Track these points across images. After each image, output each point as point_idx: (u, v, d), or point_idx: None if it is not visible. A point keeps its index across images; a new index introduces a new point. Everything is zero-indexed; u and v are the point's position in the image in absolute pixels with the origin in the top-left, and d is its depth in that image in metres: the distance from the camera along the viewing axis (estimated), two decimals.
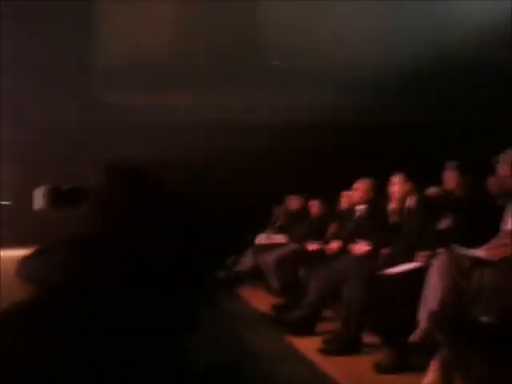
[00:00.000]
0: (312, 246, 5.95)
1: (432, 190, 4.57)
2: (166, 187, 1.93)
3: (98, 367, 1.52)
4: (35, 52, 8.64)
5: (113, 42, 9.10)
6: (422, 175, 4.57)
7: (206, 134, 8.71)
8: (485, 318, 3.13)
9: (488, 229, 3.59)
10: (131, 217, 1.80)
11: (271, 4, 9.25)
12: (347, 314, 4.26)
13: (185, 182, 7.53)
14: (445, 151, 7.55)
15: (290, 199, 7.81)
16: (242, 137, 8.69)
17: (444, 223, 4.06)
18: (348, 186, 5.62)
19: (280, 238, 7.12)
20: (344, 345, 4.19)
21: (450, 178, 4.15)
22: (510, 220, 3.55)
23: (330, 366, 3.93)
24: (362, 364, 3.90)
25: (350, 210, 5.75)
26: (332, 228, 6.14)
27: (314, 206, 6.95)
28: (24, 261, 1.75)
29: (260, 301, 6.28)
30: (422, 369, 3.44)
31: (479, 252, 3.41)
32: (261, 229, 7.85)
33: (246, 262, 7.30)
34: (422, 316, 3.48)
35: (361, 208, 5.42)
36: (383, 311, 3.89)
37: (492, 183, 4.28)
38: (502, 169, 3.58)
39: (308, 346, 4.37)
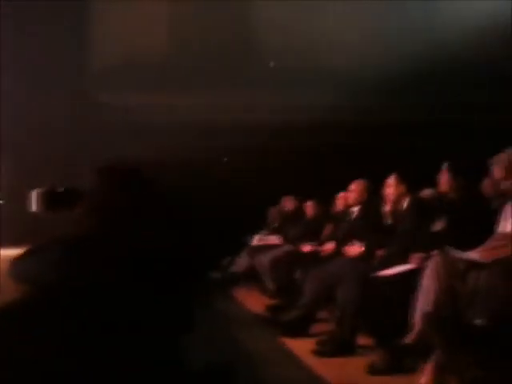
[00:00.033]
0: (307, 248, 5.95)
1: (426, 192, 4.57)
2: (161, 187, 1.93)
3: (91, 367, 1.52)
4: (32, 52, 8.65)
5: (109, 42, 9.11)
6: (421, 175, 4.55)
7: (202, 134, 8.71)
8: (478, 320, 3.13)
9: (482, 231, 3.58)
10: (125, 217, 1.79)
11: (267, 4, 9.24)
12: (341, 315, 4.25)
13: (181, 183, 7.57)
14: (445, 151, 7.58)
15: (285, 200, 7.81)
16: (238, 137, 8.69)
17: (438, 225, 4.06)
18: (347, 186, 5.61)
19: (275, 239, 7.13)
20: (338, 346, 4.18)
21: (444, 179, 4.14)
22: (503, 222, 3.54)
23: (324, 367, 3.92)
24: (355, 366, 3.88)
25: (345, 212, 5.75)
26: (327, 229, 6.14)
27: (309, 208, 6.96)
28: (16, 261, 1.75)
29: (254, 302, 6.27)
30: (415, 371, 3.45)
31: (473, 254, 3.41)
32: (256, 230, 7.85)
33: (241, 262, 7.31)
34: (416, 318, 3.48)
35: (355, 209, 5.43)
36: (377, 313, 3.89)
37: (486, 185, 4.28)
38: (497, 171, 3.57)
39: (302, 347, 4.36)
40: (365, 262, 4.53)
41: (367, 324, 4.09)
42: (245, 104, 8.97)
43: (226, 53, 9.25)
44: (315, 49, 9.30)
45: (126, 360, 1.57)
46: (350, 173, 5.56)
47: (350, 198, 5.56)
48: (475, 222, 3.76)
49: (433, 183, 4.43)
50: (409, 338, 3.50)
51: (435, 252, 3.55)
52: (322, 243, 5.73)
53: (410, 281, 3.62)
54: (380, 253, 4.50)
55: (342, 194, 6.09)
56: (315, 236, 6.13)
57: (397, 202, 4.56)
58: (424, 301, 3.43)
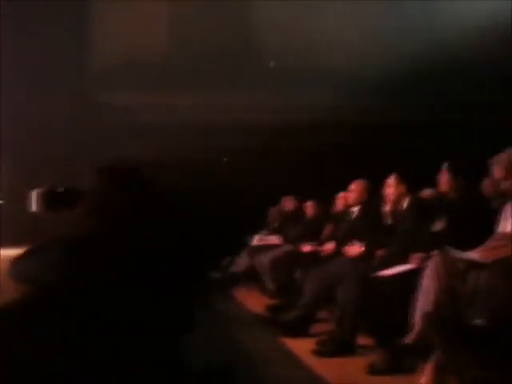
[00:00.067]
0: (307, 248, 5.95)
1: (426, 192, 4.57)
2: (161, 187, 1.92)
3: (90, 368, 1.52)
4: (32, 52, 8.65)
5: (109, 42, 9.10)
6: (421, 175, 4.55)
7: (202, 134, 8.71)
8: (478, 320, 3.13)
9: (482, 231, 3.58)
10: (125, 217, 1.79)
11: (267, 4, 9.24)
12: (341, 315, 4.26)
13: (180, 183, 7.57)
14: (445, 151, 7.58)
15: (285, 200, 7.82)
16: (238, 137, 8.68)
17: (438, 225, 4.06)
18: (347, 186, 5.61)
19: (275, 240, 7.13)
20: (338, 346, 4.19)
21: (444, 180, 4.14)
22: (503, 222, 3.54)
23: (324, 367, 3.92)
24: (355, 366, 3.89)
25: (345, 212, 5.75)
26: (327, 229, 6.14)
27: (309, 208, 6.96)
28: (16, 261, 1.75)
29: (254, 302, 6.27)
30: (415, 371, 3.45)
31: (473, 254, 3.41)
32: (256, 230, 7.86)
33: (241, 262, 7.31)
34: (416, 318, 3.48)
35: (355, 209, 5.43)
36: (377, 313, 3.89)
37: (486, 185, 4.28)
38: (496, 171, 3.57)
39: (302, 347, 4.36)
40: (365, 262, 4.53)
41: (367, 324, 4.09)
42: (245, 104, 8.97)
43: (226, 53, 9.25)
44: (315, 49, 9.30)
45: (126, 360, 1.57)
46: (349, 173, 5.56)
47: (349, 198, 5.56)
48: (475, 222, 3.76)
49: (433, 183, 4.43)
50: (409, 338, 3.50)
51: (435, 252, 3.55)
52: (321, 243, 5.74)
53: (409, 281, 3.62)
54: (380, 253, 4.51)
55: (341, 194, 6.09)
56: (315, 236, 6.13)
57: (397, 202, 4.56)
58: (424, 301, 3.43)
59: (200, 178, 8.38)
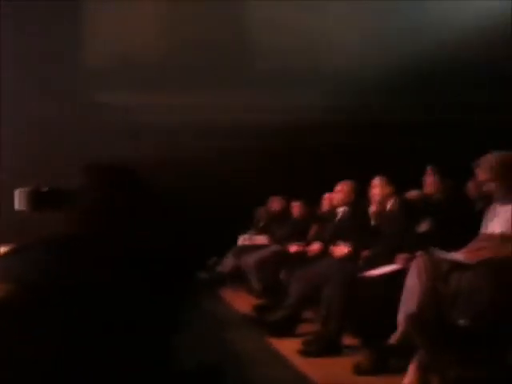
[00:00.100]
0: (293, 248, 5.96)
1: (412, 193, 4.60)
2: (154, 187, 1.93)
3: (78, 367, 1.52)
4: (32, 51, 8.62)
5: (108, 42, 9.07)
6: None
7: (201, 134, 8.69)
8: (461, 321, 3.16)
9: (466, 232, 3.62)
10: (113, 216, 1.80)
11: (262, 4, 9.23)
12: (327, 315, 4.27)
13: (172, 183, 7.57)
14: (445, 151, 7.63)
15: (272, 200, 7.83)
16: (235, 137, 8.67)
17: (423, 226, 4.09)
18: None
19: (262, 240, 7.13)
20: (324, 346, 4.20)
21: (430, 181, 4.18)
22: (487, 223, 3.58)
23: (310, 367, 3.93)
24: (341, 366, 3.90)
25: (332, 212, 5.77)
26: (313, 230, 6.15)
27: (296, 208, 6.97)
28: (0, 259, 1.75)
29: (241, 302, 6.27)
30: (400, 371, 3.46)
31: (457, 255, 3.44)
32: (243, 230, 7.86)
33: (228, 263, 7.29)
34: (400, 318, 3.51)
35: (342, 210, 5.46)
36: (363, 313, 3.91)
37: (471, 187, 4.32)
38: (481, 173, 3.60)
39: (288, 347, 4.37)
40: (351, 262, 4.56)
41: (353, 324, 4.12)
42: (242, 104, 8.95)
43: (225, 52, 9.23)
44: (315, 49, 9.27)
45: (114, 360, 1.57)
46: (349, 173, 5.54)
47: (336, 198, 5.58)
48: (460, 224, 3.80)
49: None
50: (393, 339, 3.53)
51: (420, 253, 3.57)
52: (308, 243, 5.75)
53: (395, 281, 3.64)
54: (366, 253, 4.53)
55: (327, 195, 6.11)
56: (302, 236, 6.14)
57: (383, 202, 4.59)
58: (408, 301, 3.45)
59: (190, 178, 8.36)
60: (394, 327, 3.54)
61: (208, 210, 8.08)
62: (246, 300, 6.32)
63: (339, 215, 5.47)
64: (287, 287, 5.13)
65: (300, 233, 6.27)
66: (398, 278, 3.65)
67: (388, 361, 3.71)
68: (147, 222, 1.88)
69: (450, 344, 3.22)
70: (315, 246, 5.47)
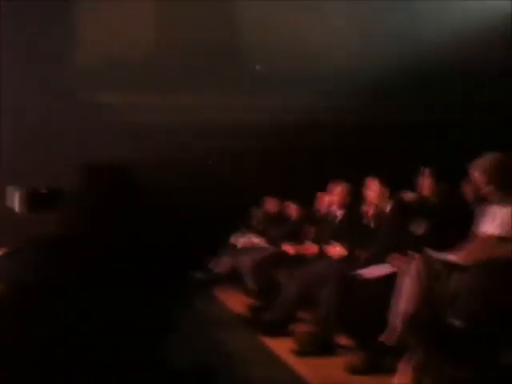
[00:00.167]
0: (290, 249, 5.97)
1: (408, 195, 4.62)
2: (147, 187, 1.94)
3: (69, 367, 1.53)
4: (30, 51, 8.60)
5: (107, 42, 9.05)
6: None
7: (196, 134, 8.68)
8: (456, 321, 3.18)
9: (462, 234, 3.64)
10: (107, 217, 1.80)
11: (262, 4, 9.22)
12: (323, 315, 4.28)
13: (166, 183, 7.55)
14: (445, 151, 7.64)
15: (267, 201, 7.83)
16: (232, 137, 8.66)
17: (419, 228, 4.10)
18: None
19: (258, 241, 7.12)
20: (318, 346, 4.22)
21: (427, 183, 4.20)
22: (482, 225, 3.60)
23: (304, 367, 3.96)
24: (335, 365, 3.93)
25: (328, 213, 5.79)
26: (310, 231, 6.16)
27: (292, 209, 6.98)
28: None
29: (236, 302, 6.28)
30: (394, 370, 3.48)
31: (451, 256, 3.47)
32: (239, 230, 7.85)
33: (224, 263, 7.28)
34: (395, 318, 3.53)
35: (338, 211, 5.48)
36: (358, 314, 3.94)
37: (467, 190, 4.34)
38: (476, 176, 3.62)
39: (283, 347, 4.39)
40: (347, 263, 4.57)
41: (348, 324, 4.13)
42: (245, 104, 8.95)
43: (226, 53, 9.22)
44: (315, 49, 9.27)
45: (107, 360, 1.57)
46: (349, 173, 5.53)
47: (332, 200, 5.60)
48: (455, 225, 3.82)
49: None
50: (387, 338, 3.55)
51: (416, 255, 3.60)
52: (304, 244, 5.76)
53: (391, 282, 3.67)
54: (362, 254, 4.55)
55: (322, 196, 6.12)
56: (298, 237, 6.15)
57: (379, 204, 4.61)
58: (403, 301, 3.48)
59: (185, 179, 8.35)
60: (388, 328, 3.57)
61: (207, 210, 8.08)
62: (241, 300, 6.31)
63: (336, 218, 5.48)
64: (283, 288, 5.14)
65: (296, 234, 6.27)
66: (393, 279, 3.67)
67: (382, 360, 3.72)
68: (143, 221, 1.88)
69: (445, 344, 3.24)
70: (312, 248, 5.48)
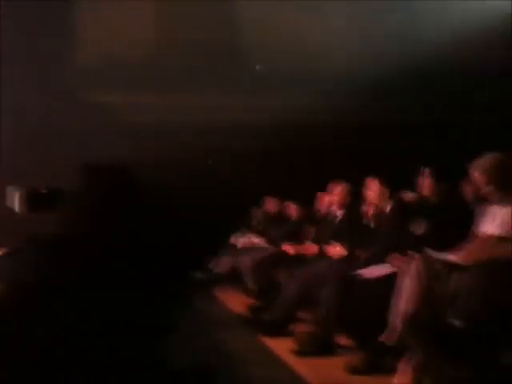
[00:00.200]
0: (290, 249, 5.97)
1: (409, 195, 4.62)
2: (146, 188, 1.94)
3: (70, 366, 1.53)
4: (30, 51, 8.61)
5: (107, 42, 9.05)
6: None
7: (196, 134, 8.68)
8: (456, 322, 3.18)
9: (462, 234, 3.64)
10: (107, 217, 1.81)
11: (254, 4, 9.22)
12: (323, 315, 4.28)
13: (165, 183, 7.56)
14: (445, 151, 7.64)
15: (267, 201, 7.83)
16: (232, 137, 8.66)
17: (419, 228, 4.11)
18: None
19: (258, 241, 7.12)
20: (318, 346, 4.22)
21: (427, 183, 4.20)
22: (481, 225, 3.60)
23: (304, 367, 3.95)
24: (335, 365, 3.93)
25: (328, 213, 5.79)
26: (310, 231, 6.16)
27: (292, 209, 6.98)
28: None
29: (237, 302, 6.28)
30: (394, 370, 3.48)
31: (451, 256, 3.46)
32: (239, 230, 7.85)
33: (224, 263, 7.28)
34: (395, 318, 3.53)
35: (338, 211, 5.48)
36: (358, 314, 3.94)
37: (467, 190, 4.34)
38: (476, 176, 3.62)
39: (282, 347, 4.39)
40: (347, 263, 4.57)
41: (348, 324, 4.13)
42: (245, 105, 8.95)
43: (226, 53, 9.23)
44: (315, 49, 9.26)
45: (107, 359, 1.57)
46: (349, 173, 5.53)
47: (332, 200, 5.61)
48: (455, 225, 3.82)
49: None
50: (387, 338, 3.55)
51: (416, 255, 3.60)
52: (304, 244, 5.77)
53: (391, 282, 3.67)
54: (362, 254, 4.55)
55: (322, 196, 6.12)
56: (298, 237, 6.15)
57: (379, 205, 4.61)
58: (403, 301, 3.48)
59: (185, 179, 8.35)
60: (388, 328, 3.57)
61: (207, 210, 8.08)
62: (241, 300, 6.31)
63: (337, 218, 5.49)
64: (283, 288, 5.14)
65: (296, 234, 6.27)
66: (393, 279, 3.67)
67: (382, 360, 3.72)
68: (143, 221, 1.89)
69: (445, 344, 3.24)
70: (311, 247, 5.48)
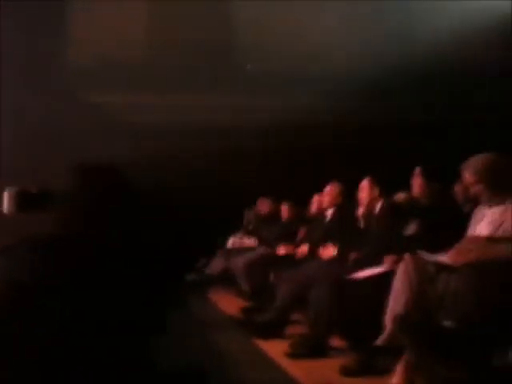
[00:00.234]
0: (282, 250, 5.97)
1: (400, 196, 4.61)
2: (139, 187, 1.93)
3: (63, 367, 1.52)
4: (30, 51, 8.63)
5: (107, 42, 9.07)
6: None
7: (196, 134, 8.69)
8: (448, 322, 3.17)
9: (453, 235, 3.63)
10: (100, 217, 1.80)
11: (254, 4, 9.22)
12: (315, 317, 4.27)
13: (159, 183, 7.56)
14: (445, 151, 7.62)
15: (260, 202, 7.83)
16: (232, 137, 8.67)
17: (410, 229, 4.10)
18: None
19: (250, 242, 7.12)
20: (311, 348, 4.20)
21: (418, 183, 4.19)
22: (473, 226, 3.60)
23: (297, 369, 3.93)
24: (328, 367, 3.91)
25: (320, 214, 5.79)
26: (302, 232, 6.16)
27: (285, 210, 6.98)
28: None
29: (229, 304, 6.27)
30: (387, 372, 3.47)
31: (443, 257, 3.45)
32: (232, 231, 7.86)
33: (217, 265, 7.29)
34: (388, 319, 3.51)
35: (329, 212, 5.47)
36: (351, 315, 3.92)
37: (457, 190, 4.33)
38: (467, 176, 3.62)
39: (275, 349, 4.37)
40: (339, 264, 4.56)
41: (341, 326, 4.12)
42: (245, 105, 8.96)
43: (226, 53, 9.24)
44: (315, 49, 9.27)
45: (98, 360, 1.57)
46: (349, 174, 5.50)
47: (324, 200, 5.60)
48: (447, 226, 3.81)
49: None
50: (380, 340, 3.53)
51: (406, 255, 3.58)
52: (296, 246, 5.76)
53: (383, 283, 3.65)
54: (354, 255, 4.54)
55: (316, 197, 6.12)
56: (290, 238, 6.15)
57: (370, 205, 4.60)
58: (395, 303, 3.46)
59: (185, 179, 8.36)
60: (380, 329, 3.55)
61: (207, 210, 8.08)
62: (234, 302, 6.31)
63: (327, 217, 5.48)
64: (276, 289, 5.13)
65: (288, 235, 6.27)
66: (385, 279, 3.66)
67: (376, 362, 3.71)
68: (133, 223, 1.88)
69: (437, 345, 3.22)
70: (304, 248, 5.48)
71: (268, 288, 5.60)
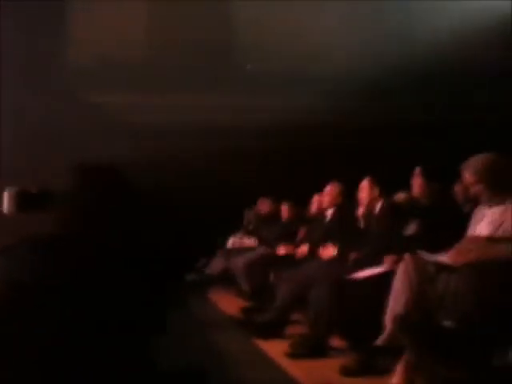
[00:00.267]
0: (282, 250, 5.97)
1: (400, 196, 4.61)
2: (137, 188, 1.93)
3: (62, 367, 1.52)
4: (30, 51, 8.63)
5: (107, 42, 9.07)
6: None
7: (196, 134, 8.70)
8: (447, 322, 3.17)
9: (453, 235, 3.63)
10: (100, 217, 1.80)
11: (254, 4, 9.22)
12: (315, 317, 4.27)
13: (158, 183, 7.55)
14: (445, 152, 7.62)
15: (260, 202, 7.83)
16: (232, 137, 8.67)
17: (410, 229, 4.10)
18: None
19: (250, 242, 7.12)
20: (311, 348, 4.20)
21: (418, 183, 4.19)
22: (473, 226, 3.60)
23: (297, 369, 3.93)
24: (328, 367, 3.90)
25: (320, 214, 5.79)
26: (302, 232, 6.16)
27: (285, 210, 6.98)
28: None
29: (229, 304, 6.27)
30: (387, 372, 3.46)
31: (443, 257, 3.45)
32: (232, 231, 7.86)
33: (217, 265, 7.29)
34: (388, 319, 3.51)
35: (329, 212, 5.47)
36: (351, 315, 3.92)
37: (457, 190, 4.33)
38: (467, 176, 3.62)
39: (275, 349, 4.37)
40: (339, 264, 4.56)
41: (340, 326, 4.12)
42: (245, 105, 8.96)
43: (226, 53, 9.24)
44: (315, 49, 9.27)
45: (98, 360, 1.57)
46: (349, 174, 5.50)
47: (324, 200, 5.60)
48: (447, 226, 3.81)
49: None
50: (380, 340, 3.53)
51: (406, 255, 3.58)
52: (296, 246, 5.76)
53: (383, 283, 3.65)
54: (354, 255, 4.54)
55: (316, 197, 6.12)
56: (290, 238, 6.15)
57: (370, 205, 4.60)
58: (395, 303, 3.46)
59: (185, 179, 8.36)
60: (380, 329, 3.55)
61: (207, 210, 8.08)
62: (234, 302, 6.31)
63: (327, 217, 5.48)
64: (276, 289, 5.13)
65: (288, 235, 6.27)
66: (385, 279, 3.66)
67: (376, 362, 3.71)
68: (133, 223, 1.88)
69: (437, 345, 3.22)
70: (303, 248, 5.48)
71: (268, 288, 5.61)
